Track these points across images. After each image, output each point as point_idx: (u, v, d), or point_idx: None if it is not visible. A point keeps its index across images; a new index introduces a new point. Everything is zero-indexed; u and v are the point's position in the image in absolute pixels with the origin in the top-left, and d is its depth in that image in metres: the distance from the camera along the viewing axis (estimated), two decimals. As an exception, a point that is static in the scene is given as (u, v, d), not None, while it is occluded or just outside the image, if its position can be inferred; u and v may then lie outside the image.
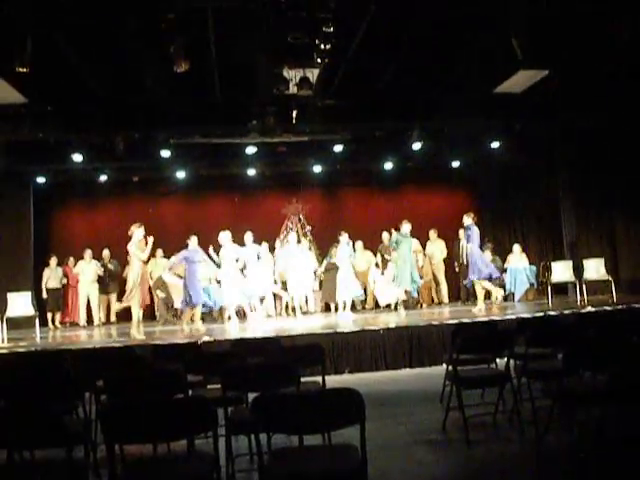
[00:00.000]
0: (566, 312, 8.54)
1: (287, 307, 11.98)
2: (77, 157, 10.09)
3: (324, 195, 14.00)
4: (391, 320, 9.16)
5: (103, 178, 12.23)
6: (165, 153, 10.34)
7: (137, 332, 8.55)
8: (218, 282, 10.30)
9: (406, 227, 10.30)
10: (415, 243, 11.05)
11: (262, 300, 10.90)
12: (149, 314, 12.04)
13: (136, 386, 3.86)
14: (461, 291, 12.40)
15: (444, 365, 5.72)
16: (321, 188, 13.80)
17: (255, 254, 10.51)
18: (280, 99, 8.67)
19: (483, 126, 10.61)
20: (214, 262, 9.89)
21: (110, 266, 12.19)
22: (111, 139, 9.85)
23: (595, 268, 10.65)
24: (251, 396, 2.95)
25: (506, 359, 4.91)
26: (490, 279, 9.67)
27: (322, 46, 6.66)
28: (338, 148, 10.99)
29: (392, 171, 12.75)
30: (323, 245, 12.63)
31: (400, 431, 5.05)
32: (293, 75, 7.92)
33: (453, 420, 4.89)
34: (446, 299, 12.29)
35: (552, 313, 8.55)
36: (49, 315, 11.82)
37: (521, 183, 13.43)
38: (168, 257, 11.55)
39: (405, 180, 13.67)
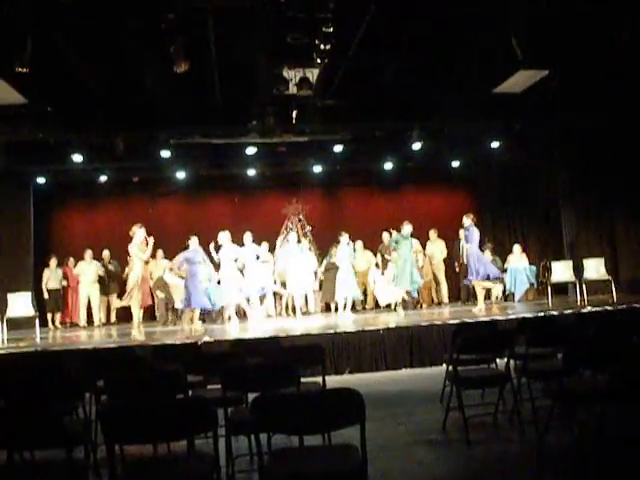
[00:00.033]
0: (566, 312, 8.53)
1: (287, 307, 11.98)
2: (77, 157, 10.09)
3: (324, 195, 13.99)
4: (391, 320, 9.16)
5: (103, 178, 12.22)
6: (165, 153, 10.34)
7: (138, 333, 8.55)
8: (218, 282, 10.28)
9: (407, 228, 10.28)
10: (415, 243, 11.05)
11: (262, 300, 10.89)
12: (149, 314, 12.04)
13: (136, 386, 3.86)
14: (461, 291, 12.39)
15: (444, 365, 5.73)
16: (321, 188, 13.80)
17: (254, 254, 10.50)
18: (280, 99, 8.67)
19: (483, 126, 10.61)
20: (212, 261, 9.88)
21: (110, 267, 12.19)
22: (111, 139, 9.85)
23: (595, 268, 10.65)
24: (251, 396, 2.95)
25: (506, 359, 4.91)
26: (488, 279, 9.66)
27: (322, 46, 6.67)
28: (338, 148, 10.99)
29: (392, 171, 12.75)
30: (323, 245, 12.62)
31: (400, 431, 5.06)
32: (293, 75, 7.93)
33: (453, 420, 4.89)
34: (446, 299, 12.28)
35: (552, 313, 8.55)
36: (49, 316, 11.81)
37: (521, 183, 13.43)
38: (168, 258, 11.56)
39: (405, 180, 13.67)
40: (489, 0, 6.75)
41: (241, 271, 10.43)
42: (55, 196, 13.04)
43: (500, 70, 8.10)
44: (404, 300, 10.63)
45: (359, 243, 12.00)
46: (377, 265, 11.72)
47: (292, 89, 8.02)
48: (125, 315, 12.04)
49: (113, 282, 12.22)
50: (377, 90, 9.22)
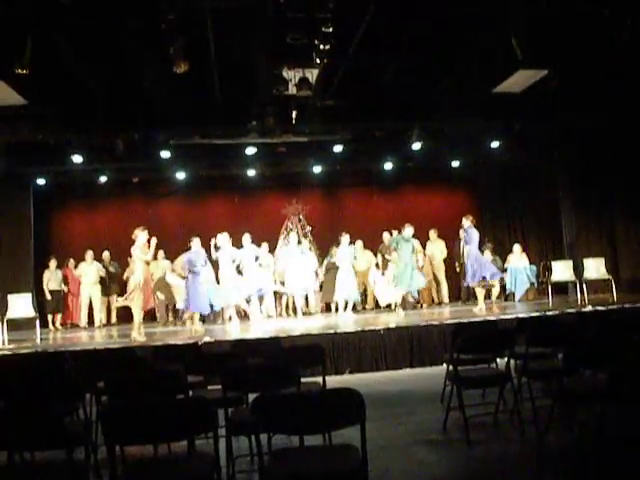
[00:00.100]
0: (566, 312, 8.54)
1: (287, 307, 11.99)
2: (77, 158, 10.08)
3: (324, 195, 13.99)
4: (391, 320, 9.16)
5: (103, 179, 12.23)
6: (165, 154, 10.34)
7: (138, 334, 8.55)
8: (217, 282, 10.28)
9: (408, 230, 10.27)
10: (415, 243, 11.04)
11: (261, 301, 10.89)
12: (149, 315, 12.03)
13: (137, 387, 3.86)
14: (461, 291, 12.40)
15: (444, 365, 5.73)
16: (321, 188, 13.80)
17: (253, 256, 10.50)
18: (280, 99, 8.67)
19: (483, 126, 10.60)
20: (211, 260, 9.87)
21: (111, 269, 12.20)
22: (111, 140, 9.85)
23: (595, 267, 10.65)
24: (251, 397, 2.95)
25: (506, 359, 4.92)
26: (484, 280, 9.65)
27: (321, 46, 6.65)
28: (338, 148, 10.99)
29: (392, 171, 12.74)
30: (323, 245, 12.63)
31: (401, 431, 5.06)
32: (292, 75, 7.92)
33: (454, 420, 4.90)
34: (446, 299, 12.28)
35: (552, 313, 8.56)
36: (49, 317, 11.80)
37: (521, 183, 13.44)
38: (169, 258, 11.58)
39: (405, 180, 13.67)
40: (489, 0, 6.75)
41: (240, 272, 10.43)
42: (55, 197, 13.04)
43: (500, 70, 8.09)
44: (404, 300, 10.63)
45: (359, 243, 12.00)
46: (377, 265, 11.72)
47: (292, 89, 8.01)
48: (125, 316, 12.03)
49: (114, 283, 12.22)
50: (377, 90, 9.21)
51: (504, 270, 11.79)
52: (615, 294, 10.05)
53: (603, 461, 3.35)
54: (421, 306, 11.66)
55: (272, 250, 11.88)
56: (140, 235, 8.63)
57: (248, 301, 10.31)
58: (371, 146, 11.40)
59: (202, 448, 3.44)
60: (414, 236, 10.46)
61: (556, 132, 11.22)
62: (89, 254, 11.89)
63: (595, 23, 7.06)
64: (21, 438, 2.98)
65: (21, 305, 10.01)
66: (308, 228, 13.24)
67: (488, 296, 11.17)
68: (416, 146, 10.58)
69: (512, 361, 4.98)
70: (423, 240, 12.05)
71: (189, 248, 9.60)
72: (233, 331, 9.32)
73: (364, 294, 12.17)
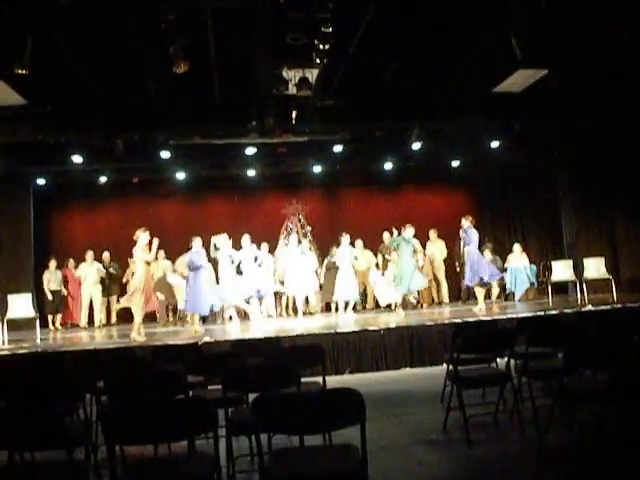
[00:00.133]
0: (566, 311, 8.54)
1: (287, 307, 11.99)
2: (77, 158, 10.08)
3: (324, 195, 13.99)
4: (391, 320, 9.16)
5: (103, 179, 12.23)
6: (165, 154, 10.33)
7: (138, 334, 8.55)
8: (217, 283, 10.28)
9: (409, 231, 10.27)
10: (415, 243, 11.04)
11: (261, 301, 10.88)
12: (150, 315, 12.03)
13: (137, 387, 3.86)
14: (461, 291, 12.40)
15: (445, 365, 5.73)
16: (321, 188, 13.80)
17: (252, 256, 10.50)
18: (279, 99, 8.67)
19: (483, 126, 10.60)
20: (210, 260, 9.86)
21: (111, 270, 12.20)
22: (111, 140, 9.84)
23: (595, 267, 10.66)
24: (251, 397, 2.95)
25: (506, 358, 4.92)
26: (482, 282, 9.65)
27: (321, 46, 6.65)
28: (338, 148, 10.99)
29: (392, 171, 12.75)
30: (323, 245, 12.62)
31: (401, 431, 5.06)
32: (292, 75, 7.92)
33: (454, 420, 4.90)
34: (446, 299, 12.28)
35: (552, 312, 8.56)
36: (49, 318, 11.80)
37: (521, 183, 13.45)
38: (169, 258, 11.58)
39: (405, 180, 13.68)
40: (489, 0, 6.75)
41: (240, 273, 10.43)
42: (55, 197, 13.04)
43: (500, 70, 8.09)
44: (404, 300, 10.63)
45: (359, 242, 12.00)
46: (377, 265, 11.72)
47: (291, 89, 8.00)
48: (126, 316, 12.02)
49: (114, 284, 12.23)
50: (377, 90, 9.22)
51: (504, 270, 11.80)
52: (615, 294, 10.05)
53: (603, 461, 3.35)
54: (421, 306, 11.66)
55: (272, 250, 11.88)
56: (142, 236, 8.63)
57: (247, 302, 10.31)
58: (371, 146, 11.40)
59: (202, 448, 3.44)
60: (414, 236, 10.47)
61: (556, 132, 11.22)
62: (89, 254, 11.89)
63: (595, 23, 7.06)
64: (21, 438, 2.98)
65: (21, 305, 10.02)
66: (308, 228, 13.24)
67: (488, 296, 11.18)
68: (416, 146, 10.58)
69: (512, 361, 4.98)
70: (423, 240, 12.05)
71: (190, 248, 9.59)
72: (233, 331, 9.32)
73: (364, 294, 12.17)
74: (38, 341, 9.23)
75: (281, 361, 4.58)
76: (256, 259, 10.61)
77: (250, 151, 10.61)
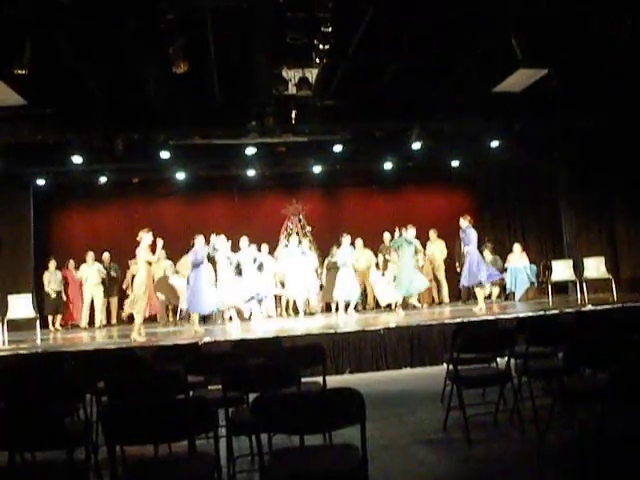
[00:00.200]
0: (566, 311, 8.55)
1: (287, 307, 11.98)
2: (77, 159, 10.08)
3: (324, 195, 14.00)
4: (391, 320, 9.16)
5: (103, 180, 12.24)
6: (165, 154, 10.34)
7: (138, 335, 8.55)
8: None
9: (411, 231, 10.27)
10: (417, 244, 11.04)
11: (261, 302, 10.88)
12: (150, 316, 12.04)
13: (137, 387, 3.86)
14: (461, 291, 12.39)
15: (445, 365, 5.72)
16: (321, 188, 13.80)
17: (251, 258, 10.51)
18: (279, 99, 8.67)
19: (483, 126, 10.61)
20: (209, 258, 9.87)
21: (112, 273, 12.21)
22: (111, 140, 9.84)
23: (595, 267, 10.66)
24: (252, 397, 2.95)
25: (507, 358, 4.91)
26: (480, 284, 9.65)
27: (321, 46, 6.65)
28: (338, 148, 10.98)
29: (392, 171, 12.75)
30: (323, 245, 12.63)
31: (401, 431, 5.05)
32: (292, 75, 7.91)
33: (454, 419, 4.90)
34: (447, 299, 12.28)
35: (552, 312, 8.56)
36: (49, 318, 11.80)
37: (521, 183, 13.45)
38: (170, 258, 11.58)
39: (405, 180, 13.68)
40: (489, 0, 6.74)
41: (240, 273, 10.44)
42: (55, 197, 13.05)
43: (500, 69, 8.10)
44: (404, 301, 10.64)
45: (359, 242, 12.00)
46: (377, 265, 11.72)
47: (291, 89, 8.00)
48: (126, 316, 12.04)
49: (115, 284, 12.23)
50: (377, 90, 9.22)
51: (504, 270, 11.81)
52: (615, 293, 10.06)
53: (603, 460, 3.35)
54: (421, 306, 11.65)
55: (272, 251, 11.88)
56: (145, 237, 8.64)
57: (246, 302, 10.31)
58: (371, 146, 11.41)
59: (202, 448, 3.45)
60: (415, 236, 10.46)
61: (556, 132, 11.22)
62: (90, 255, 11.89)
63: (595, 23, 7.06)
64: (22, 438, 2.98)
65: (21, 306, 10.02)
66: (308, 228, 13.24)
67: (488, 296, 11.19)
68: (416, 146, 10.58)
69: (512, 360, 4.98)
70: (423, 240, 12.06)
71: (192, 246, 9.60)
72: (233, 331, 9.32)
73: (364, 294, 12.17)
74: (38, 342, 9.23)
75: (281, 361, 4.58)
76: (255, 261, 10.62)
77: (250, 151, 10.61)
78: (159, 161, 10.58)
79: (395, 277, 10.46)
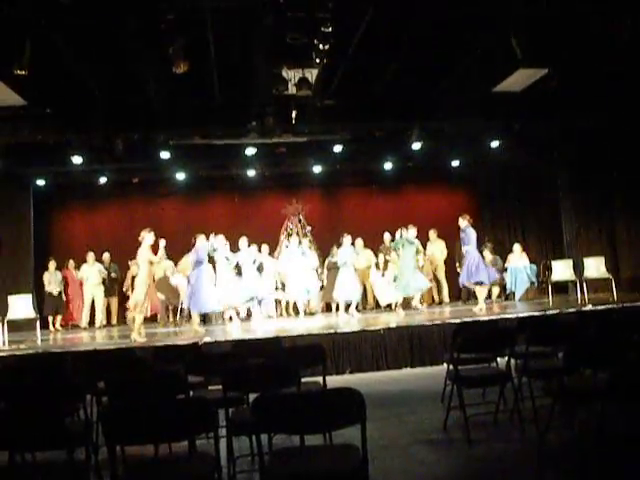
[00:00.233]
0: (566, 311, 8.54)
1: (287, 307, 11.98)
2: (77, 159, 10.07)
3: (324, 195, 14.00)
4: (392, 320, 9.16)
5: (103, 180, 12.24)
6: (165, 154, 10.34)
7: (138, 335, 8.55)
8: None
9: (412, 231, 10.27)
10: (417, 244, 11.03)
11: (260, 303, 10.88)
12: (150, 316, 12.04)
13: (137, 388, 3.86)
14: (461, 291, 12.38)
15: (445, 364, 5.73)
16: (321, 188, 13.81)
17: (250, 258, 10.51)
18: (279, 99, 8.66)
19: (483, 126, 10.61)
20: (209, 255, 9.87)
21: (113, 274, 12.21)
22: (111, 140, 9.84)
23: (595, 267, 10.67)
24: (252, 397, 2.95)
25: (507, 358, 4.92)
26: (481, 284, 9.65)
27: (321, 46, 6.65)
28: (338, 148, 10.98)
29: (392, 171, 12.76)
30: (323, 245, 12.62)
31: (401, 431, 5.06)
32: (292, 75, 7.91)
33: (454, 419, 4.90)
34: (447, 299, 12.28)
35: (552, 312, 8.56)
36: (49, 319, 11.79)
37: (521, 183, 13.45)
38: (170, 258, 11.57)
39: (405, 180, 13.69)
40: (489, 0, 6.75)
41: (240, 274, 10.45)
42: (55, 198, 13.05)
43: (500, 69, 8.10)
44: (404, 301, 10.64)
45: (359, 241, 12.00)
46: (377, 266, 11.72)
47: (291, 89, 8.00)
48: (126, 317, 12.04)
49: (115, 285, 12.24)
50: (377, 90, 9.22)
51: (504, 270, 11.81)
52: (615, 293, 10.06)
53: (603, 460, 3.35)
54: (422, 306, 11.65)
55: (272, 250, 11.88)
56: (147, 236, 8.64)
57: (244, 303, 10.33)
58: (371, 146, 11.41)
59: (203, 448, 3.44)
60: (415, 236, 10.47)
61: (556, 132, 11.22)
62: (90, 255, 11.89)
63: (595, 23, 7.06)
64: (22, 438, 2.98)
65: (21, 306, 10.02)
66: (308, 228, 13.24)
67: (488, 296, 11.19)
68: (416, 146, 10.58)
69: (512, 360, 4.98)
70: (423, 240, 12.05)
71: (193, 245, 9.60)
72: (233, 331, 9.32)
73: (364, 294, 12.16)
74: (38, 342, 9.23)
75: (281, 361, 4.58)
76: (254, 262, 10.62)
77: (250, 151, 10.61)
78: (159, 161, 10.57)
79: (396, 277, 10.46)
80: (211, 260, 10.01)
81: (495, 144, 11.06)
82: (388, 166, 12.53)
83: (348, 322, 9.69)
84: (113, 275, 12.22)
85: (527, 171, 13.03)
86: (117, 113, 9.30)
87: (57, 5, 5.90)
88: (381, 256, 11.76)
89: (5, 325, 9.36)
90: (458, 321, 8.23)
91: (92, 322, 11.88)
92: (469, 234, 9.53)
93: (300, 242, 11.80)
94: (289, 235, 12.67)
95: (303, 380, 4.03)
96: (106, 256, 12.32)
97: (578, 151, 11.61)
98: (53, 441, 2.95)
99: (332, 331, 8.21)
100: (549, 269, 11.40)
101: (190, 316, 10.21)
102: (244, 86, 8.72)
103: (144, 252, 8.59)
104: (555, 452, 4.22)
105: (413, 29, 7.17)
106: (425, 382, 7.09)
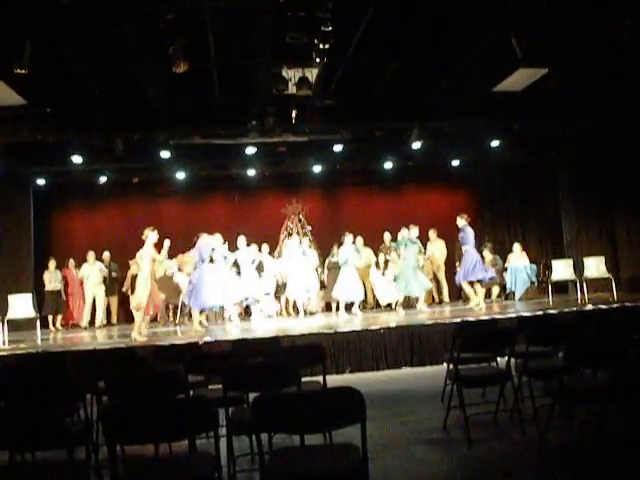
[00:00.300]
0: (566, 310, 8.55)
1: (287, 307, 11.97)
2: (77, 159, 10.08)
3: (324, 195, 14.00)
4: (392, 319, 9.16)
5: (103, 179, 12.24)
6: (165, 154, 10.34)
7: (138, 334, 8.56)
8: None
9: (414, 231, 10.28)
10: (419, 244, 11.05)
11: (259, 301, 10.89)
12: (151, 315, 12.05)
13: (137, 387, 3.86)
14: (462, 291, 12.39)
15: (445, 364, 5.73)
16: (321, 188, 13.81)
17: (249, 258, 10.50)
18: (279, 99, 8.67)
19: (483, 125, 10.61)
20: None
21: (113, 274, 12.21)
22: (110, 140, 9.85)
23: (595, 266, 10.67)
24: (252, 396, 2.95)
25: (507, 358, 4.92)
26: (480, 282, 9.65)
27: (321, 46, 6.65)
28: (338, 148, 10.99)
29: (392, 171, 12.76)
30: (323, 245, 12.62)
31: (401, 430, 5.06)
32: (292, 75, 7.93)
33: (454, 419, 4.90)
34: (447, 299, 12.28)
35: (552, 311, 8.56)
36: (49, 318, 11.79)
37: (521, 183, 13.46)
38: (170, 258, 11.56)
39: (405, 180, 13.69)
40: (489, 0, 6.75)
41: (239, 273, 10.45)
42: (55, 197, 13.05)
43: (500, 69, 8.10)
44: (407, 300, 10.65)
45: (359, 240, 11.99)
46: (377, 265, 11.72)
47: (291, 89, 8.01)
48: (126, 316, 12.05)
49: (115, 284, 12.23)
50: (377, 90, 9.22)
51: (504, 269, 11.81)
52: (615, 293, 10.06)
53: (603, 460, 3.35)
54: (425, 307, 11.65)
55: (272, 250, 11.88)
56: (150, 235, 8.64)
57: (238, 302, 10.34)
58: (371, 146, 11.41)
59: (203, 448, 3.45)
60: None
61: (556, 132, 11.23)
62: (91, 255, 11.88)
63: (595, 23, 7.07)
64: (22, 438, 2.98)
65: (21, 305, 10.02)
66: (308, 228, 13.24)
67: (488, 295, 11.20)
68: (416, 146, 10.58)
69: (512, 360, 4.98)
70: (423, 240, 12.05)
71: (194, 245, 9.61)
72: (233, 331, 9.32)
73: (364, 293, 12.16)
74: (39, 341, 9.23)
75: (281, 360, 4.58)
76: (253, 261, 10.62)
77: (250, 151, 10.61)
78: (159, 161, 10.58)
79: (397, 276, 10.46)
80: (210, 259, 10.01)
81: (495, 144, 11.07)
82: (388, 166, 12.53)
83: (351, 321, 9.69)
84: (114, 274, 12.23)
85: (527, 171, 13.04)
86: (117, 113, 9.30)
87: (57, 5, 5.90)
88: (381, 255, 11.75)
89: (5, 324, 9.36)
90: (458, 321, 8.23)
91: (92, 321, 11.88)
92: (468, 233, 9.53)
93: (300, 242, 11.80)
94: (289, 235, 12.67)
95: (303, 380, 4.02)
96: (106, 255, 12.32)
97: (578, 151, 11.62)
98: (53, 441, 2.95)
99: (332, 331, 8.21)
100: (549, 269, 11.40)
101: (191, 315, 10.21)
102: (244, 86, 8.72)
103: (148, 250, 8.58)
104: (555, 452, 4.23)
105: (413, 29, 7.17)
106: (425, 382, 7.09)
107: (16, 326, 10.04)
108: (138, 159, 10.80)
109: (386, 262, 11.38)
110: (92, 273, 11.82)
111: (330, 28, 6.42)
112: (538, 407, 4.53)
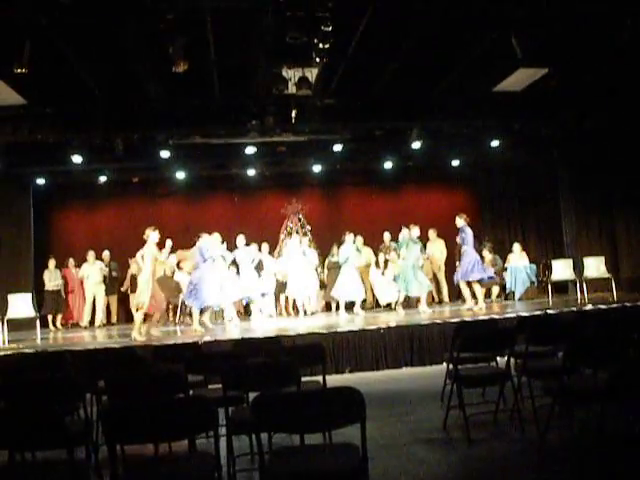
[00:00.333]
0: (566, 310, 8.55)
1: (287, 307, 11.97)
2: (76, 158, 10.08)
3: (324, 195, 14.00)
4: (391, 319, 9.16)
5: (103, 179, 12.24)
6: (164, 154, 10.34)
7: (138, 334, 8.56)
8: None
9: (415, 231, 10.28)
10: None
11: (258, 300, 10.88)
12: (150, 315, 12.04)
13: (137, 387, 3.86)
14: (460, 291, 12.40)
15: (445, 364, 5.73)
16: (321, 188, 13.82)
17: (248, 257, 10.49)
18: (279, 99, 8.67)
19: (483, 125, 10.61)
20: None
21: (114, 273, 12.21)
22: (110, 140, 9.85)
23: (595, 266, 10.67)
24: (252, 396, 2.95)
25: (506, 357, 4.91)
26: (480, 282, 9.65)
27: (321, 45, 6.65)
28: (338, 148, 10.99)
29: (392, 171, 12.76)
30: (323, 245, 12.62)
31: (401, 430, 5.06)
32: (292, 75, 7.92)
33: (454, 419, 4.90)
34: (447, 298, 12.28)
35: (552, 311, 8.56)
36: (49, 317, 11.79)
37: (521, 183, 13.46)
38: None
39: (405, 180, 13.70)
40: (489, 0, 6.75)
41: (239, 272, 10.45)
42: (55, 197, 13.05)
43: (500, 69, 8.10)
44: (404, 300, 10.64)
45: (359, 239, 11.99)
46: (377, 265, 11.72)
47: (291, 89, 8.01)
48: (126, 315, 12.05)
49: (115, 283, 12.24)
50: (377, 90, 9.22)
51: (504, 269, 11.81)
52: (615, 293, 10.06)
53: (603, 460, 3.35)
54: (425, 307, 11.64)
55: (272, 250, 11.88)
56: (152, 234, 8.64)
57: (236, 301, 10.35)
58: (371, 146, 11.41)
59: (203, 447, 3.45)
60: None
61: (556, 132, 11.23)
62: (91, 254, 11.88)
63: (595, 23, 7.07)
64: (22, 438, 2.98)
65: (21, 305, 10.02)
66: (308, 227, 13.24)
67: (488, 295, 11.20)
68: (416, 145, 10.58)
69: (512, 360, 4.98)
70: (423, 240, 12.03)
71: (194, 244, 9.61)
72: (233, 330, 9.32)
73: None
74: (38, 341, 9.23)
75: (281, 360, 4.58)
76: (253, 261, 10.62)
77: (250, 150, 10.61)
78: (159, 161, 10.58)
79: (398, 276, 10.45)
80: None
81: (495, 144, 11.07)
82: (388, 166, 12.53)
83: (352, 320, 9.69)
84: (114, 274, 12.23)
85: (527, 171, 13.04)
86: (117, 113, 9.31)
87: (57, 5, 5.91)
88: (381, 255, 11.75)
89: (5, 324, 9.37)
90: (458, 320, 8.22)
91: (92, 321, 11.88)
92: (467, 233, 9.54)
93: (300, 241, 11.80)
94: (289, 234, 12.67)
95: (303, 379, 4.02)
96: (106, 254, 12.32)
97: (578, 151, 11.62)
98: (53, 440, 2.95)
99: (332, 330, 8.21)
100: (549, 269, 11.40)
101: (191, 314, 10.21)
102: (244, 86, 8.73)
103: (151, 249, 8.58)
104: (555, 452, 4.22)
105: (413, 29, 7.17)
106: (425, 381, 7.09)
107: (16, 325, 10.04)
108: (138, 159, 10.81)
109: (386, 262, 11.39)
110: (92, 272, 11.82)
111: (330, 28, 6.42)
112: (538, 407, 4.53)
